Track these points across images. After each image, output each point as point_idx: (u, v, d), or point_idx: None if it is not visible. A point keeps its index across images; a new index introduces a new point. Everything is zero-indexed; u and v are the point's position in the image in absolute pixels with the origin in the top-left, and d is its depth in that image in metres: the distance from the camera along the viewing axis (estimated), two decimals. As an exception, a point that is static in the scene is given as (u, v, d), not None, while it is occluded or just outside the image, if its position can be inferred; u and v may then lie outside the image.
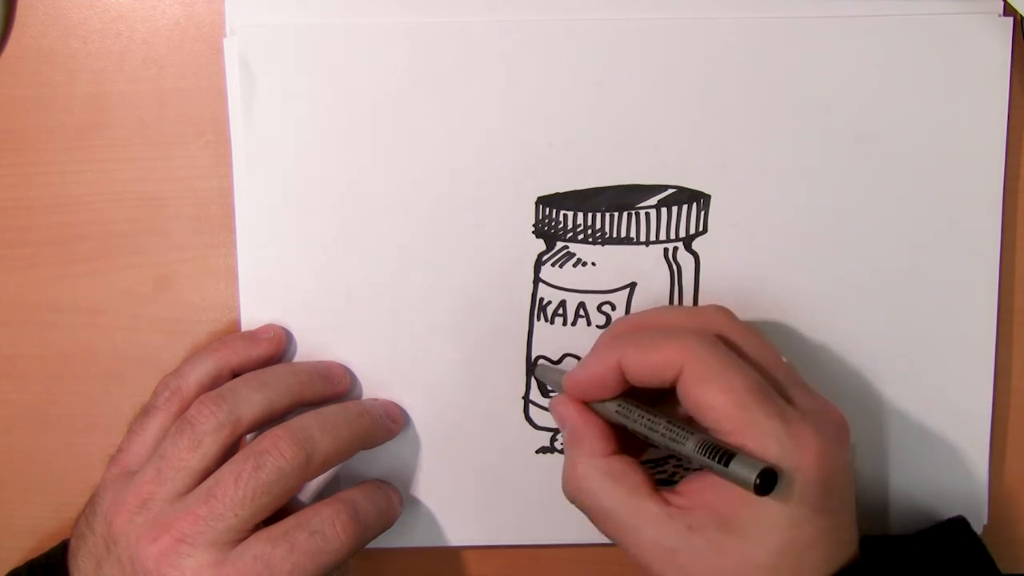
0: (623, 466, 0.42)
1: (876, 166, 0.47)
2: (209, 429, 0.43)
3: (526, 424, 0.49)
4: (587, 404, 0.44)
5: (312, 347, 0.48)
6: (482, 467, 0.49)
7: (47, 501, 0.50)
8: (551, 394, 0.49)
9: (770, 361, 0.43)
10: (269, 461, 0.42)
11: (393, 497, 0.47)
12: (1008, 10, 0.46)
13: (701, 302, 0.48)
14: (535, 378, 0.49)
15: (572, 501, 0.43)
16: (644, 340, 0.42)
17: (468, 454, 0.49)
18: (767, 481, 0.38)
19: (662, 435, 0.41)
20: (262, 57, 0.46)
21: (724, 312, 0.44)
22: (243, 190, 0.47)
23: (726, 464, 0.39)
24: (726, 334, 0.43)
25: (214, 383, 0.46)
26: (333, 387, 0.47)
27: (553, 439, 0.49)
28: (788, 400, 0.41)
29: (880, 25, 0.46)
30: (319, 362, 0.48)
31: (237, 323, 0.48)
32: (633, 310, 0.48)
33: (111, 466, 0.45)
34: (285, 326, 0.48)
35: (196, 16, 0.47)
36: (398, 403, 0.49)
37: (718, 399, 0.40)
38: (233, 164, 0.47)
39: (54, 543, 0.46)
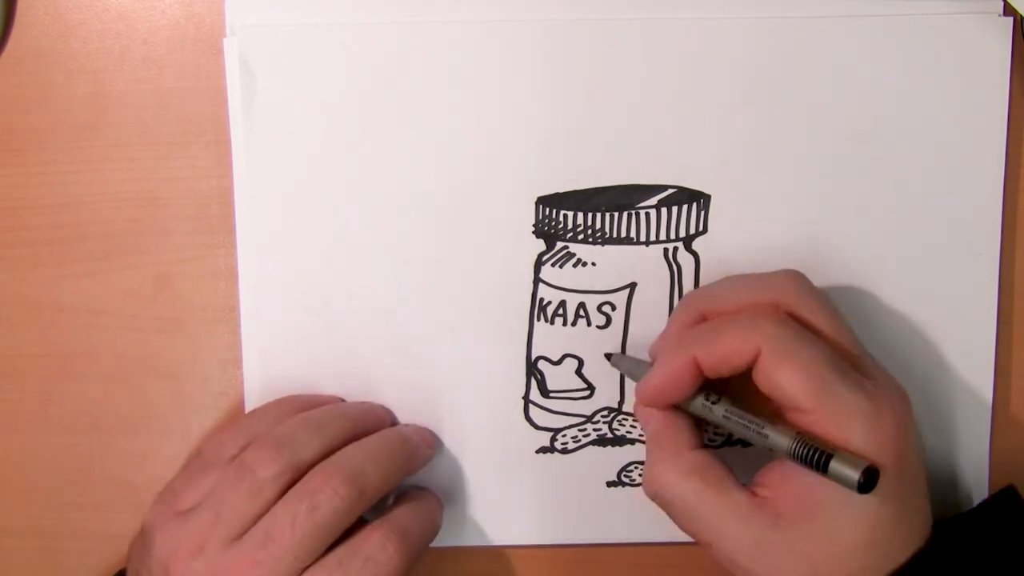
0: (706, 460, 0.42)
1: (876, 166, 0.47)
2: (270, 476, 0.42)
3: (526, 424, 0.49)
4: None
5: (312, 347, 0.48)
6: (483, 467, 0.49)
7: (47, 501, 0.50)
8: (552, 395, 0.49)
9: (842, 333, 0.42)
10: (324, 501, 0.42)
11: (435, 506, 0.47)
12: (1008, 10, 0.46)
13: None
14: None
15: (653, 499, 0.43)
16: (715, 332, 0.42)
17: (468, 454, 0.49)
18: (870, 479, 0.38)
19: (756, 433, 0.41)
20: (262, 57, 0.46)
21: (797, 279, 0.44)
22: (243, 190, 0.47)
23: (825, 464, 0.39)
24: (798, 307, 0.42)
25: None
26: (377, 428, 0.47)
27: (553, 439, 0.49)
28: (861, 372, 0.41)
29: (880, 25, 0.46)
30: (364, 403, 0.48)
31: (237, 323, 0.48)
32: (633, 310, 0.48)
33: (159, 503, 0.44)
34: (285, 326, 0.48)
35: (196, 16, 0.47)
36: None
37: (798, 377, 0.40)
38: (233, 164, 0.47)
39: (54, 543, 0.46)
